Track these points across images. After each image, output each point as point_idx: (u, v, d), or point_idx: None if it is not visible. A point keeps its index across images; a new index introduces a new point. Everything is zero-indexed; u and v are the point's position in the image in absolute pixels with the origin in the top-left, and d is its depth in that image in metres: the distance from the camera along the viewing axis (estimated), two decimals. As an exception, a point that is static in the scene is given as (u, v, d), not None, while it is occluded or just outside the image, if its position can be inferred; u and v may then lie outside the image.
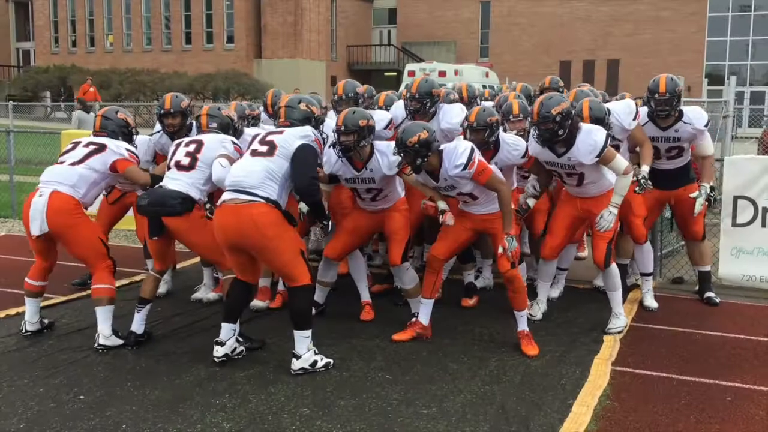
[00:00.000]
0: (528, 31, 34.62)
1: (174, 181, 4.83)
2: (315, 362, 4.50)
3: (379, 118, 5.55)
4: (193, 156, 4.87)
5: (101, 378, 4.41)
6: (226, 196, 4.46)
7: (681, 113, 5.63)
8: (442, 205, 4.96)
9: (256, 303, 5.67)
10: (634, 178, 5.21)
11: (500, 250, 4.77)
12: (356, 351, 4.90)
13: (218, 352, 4.54)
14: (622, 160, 5.01)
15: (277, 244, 4.39)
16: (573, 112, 4.99)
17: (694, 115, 5.63)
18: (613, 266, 5.26)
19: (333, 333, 5.21)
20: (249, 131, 5.35)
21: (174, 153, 4.97)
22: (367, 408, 4.03)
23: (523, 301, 4.93)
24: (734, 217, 6.38)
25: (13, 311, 5.69)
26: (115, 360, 4.71)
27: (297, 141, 4.53)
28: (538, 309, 5.59)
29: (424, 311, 5.14)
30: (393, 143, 4.88)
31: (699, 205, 5.63)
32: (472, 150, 4.69)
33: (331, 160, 5.04)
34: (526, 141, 5.29)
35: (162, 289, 5.94)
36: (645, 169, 5.42)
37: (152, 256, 5.12)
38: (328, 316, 5.56)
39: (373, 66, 36.23)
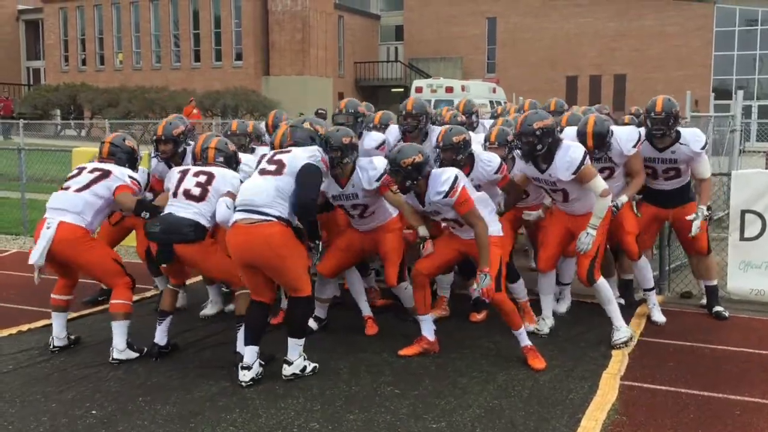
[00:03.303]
0: (534, 46, 34.72)
1: (183, 210, 4.88)
2: (304, 367, 4.65)
3: (373, 137, 5.69)
4: (204, 188, 4.93)
5: (113, 393, 4.45)
6: (237, 216, 4.52)
7: (678, 135, 5.66)
8: (422, 231, 5.01)
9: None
10: (611, 204, 5.27)
11: (474, 286, 4.77)
12: (364, 365, 4.92)
13: (245, 376, 4.54)
14: (600, 182, 5.09)
15: (289, 262, 4.50)
16: (556, 130, 5.07)
17: (692, 137, 5.65)
18: (601, 281, 5.29)
19: (341, 347, 5.24)
20: (260, 150, 5.46)
21: (181, 181, 5.01)
22: (376, 423, 4.05)
23: (517, 321, 4.96)
24: (742, 231, 6.38)
25: (25, 327, 5.74)
26: (126, 375, 4.75)
27: (303, 160, 4.61)
28: (545, 324, 5.60)
29: (425, 327, 5.16)
30: (374, 158, 5.08)
31: (695, 228, 5.64)
32: (456, 178, 4.72)
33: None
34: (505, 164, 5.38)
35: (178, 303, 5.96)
36: (623, 198, 5.49)
37: (166, 273, 5.24)
38: (335, 331, 5.59)
39: (380, 82, 36.39)
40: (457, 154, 5.12)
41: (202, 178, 4.97)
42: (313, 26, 32.35)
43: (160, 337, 5.07)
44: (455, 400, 4.34)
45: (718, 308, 6.09)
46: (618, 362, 4.98)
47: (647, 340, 5.50)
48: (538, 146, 5.00)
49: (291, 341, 4.61)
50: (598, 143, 5.37)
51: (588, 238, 5.12)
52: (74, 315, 6.08)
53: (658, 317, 5.90)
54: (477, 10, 35.71)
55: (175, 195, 4.98)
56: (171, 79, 33.49)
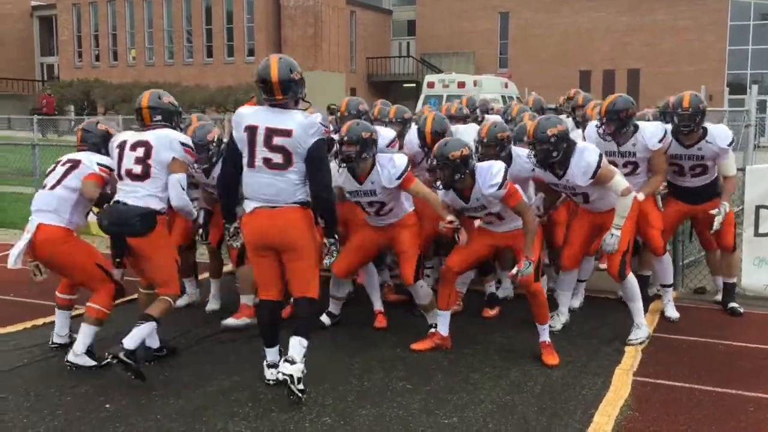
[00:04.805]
0: (546, 41, 34.58)
1: (130, 195, 4.54)
2: (300, 379, 4.15)
3: (384, 134, 5.60)
4: (144, 162, 4.53)
5: (126, 387, 4.46)
6: (256, 204, 4.23)
7: (705, 132, 5.61)
8: (451, 217, 4.84)
9: (231, 321, 5.60)
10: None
11: (514, 270, 4.77)
12: (377, 361, 4.92)
13: (272, 374, 4.41)
14: (620, 181, 5.01)
15: (307, 244, 4.28)
16: (570, 134, 5.03)
17: (718, 133, 5.60)
18: (630, 277, 5.22)
19: (353, 342, 5.24)
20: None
21: (121, 159, 4.59)
22: (387, 417, 4.06)
23: (545, 315, 4.96)
24: (756, 226, 6.32)
25: (40, 321, 5.78)
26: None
27: (310, 139, 4.15)
28: (558, 320, 5.58)
29: (442, 322, 5.15)
30: (395, 156, 5.02)
31: (717, 224, 5.59)
32: (506, 171, 4.72)
33: (333, 172, 4.88)
34: None
35: (182, 301, 5.91)
36: (640, 195, 5.36)
37: (134, 272, 4.91)
38: (348, 326, 5.60)
39: (392, 77, 36.36)
40: (500, 151, 5.15)
41: (140, 152, 4.54)
42: (326, 21, 32.37)
43: (131, 341, 4.39)
44: (467, 396, 4.33)
45: (733, 304, 6.05)
46: (631, 358, 4.96)
47: (661, 335, 5.48)
48: (554, 153, 4.92)
49: (296, 339, 4.23)
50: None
51: (613, 239, 5.07)
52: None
53: (672, 313, 5.87)
54: (489, 5, 35.61)
55: (120, 177, 4.62)
56: (183, 75, 33.61)
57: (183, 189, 4.60)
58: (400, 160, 4.96)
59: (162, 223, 4.65)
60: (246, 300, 5.67)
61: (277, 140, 4.13)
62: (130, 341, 4.38)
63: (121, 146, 4.63)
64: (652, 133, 5.46)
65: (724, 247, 6.03)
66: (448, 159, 4.63)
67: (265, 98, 4.25)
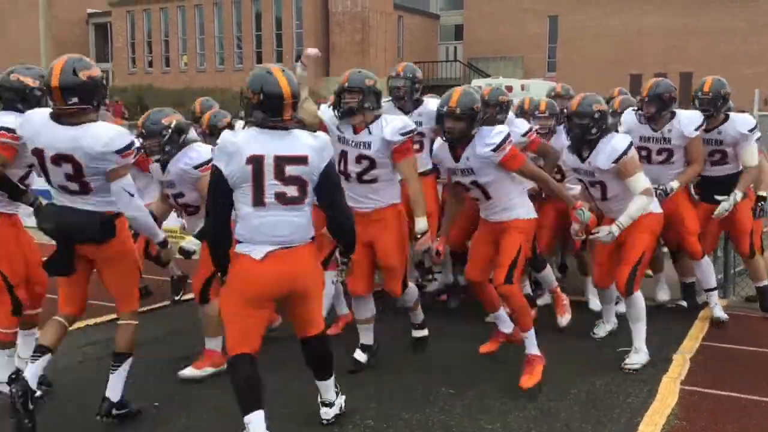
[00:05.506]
0: (597, 44, 34.13)
1: (79, 203, 3.78)
2: (341, 406, 4.09)
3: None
4: (78, 180, 3.70)
5: (176, 387, 4.59)
6: (268, 248, 3.51)
7: (726, 117, 5.55)
8: (422, 224, 4.54)
9: (189, 372, 4.74)
10: (660, 187, 5.22)
11: (575, 226, 4.69)
12: (421, 364, 4.94)
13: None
14: (642, 180, 4.72)
15: (320, 284, 3.84)
16: (609, 115, 4.85)
17: (740, 119, 5.56)
18: (638, 295, 4.88)
19: (399, 345, 5.26)
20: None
21: (44, 169, 3.73)
22: (430, 422, 4.08)
23: (527, 321, 4.52)
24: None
25: (91, 321, 5.91)
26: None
27: (323, 163, 3.59)
28: (603, 328, 5.52)
29: (501, 322, 5.00)
30: (404, 117, 4.82)
31: (721, 209, 5.44)
32: (508, 135, 4.43)
33: (325, 116, 4.62)
34: (548, 139, 5.73)
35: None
36: (674, 184, 5.35)
37: (61, 294, 4.00)
38: (393, 329, 5.59)
39: (438, 82, 36.22)
40: (499, 112, 5.49)
41: (67, 168, 3.66)
42: (373, 27, 32.53)
43: (31, 375, 3.77)
44: (510, 402, 4.33)
45: None
46: (679, 366, 4.90)
47: (710, 344, 5.38)
48: (593, 130, 4.71)
49: (326, 383, 3.99)
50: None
51: (609, 237, 4.65)
52: (145, 308, 6.24)
53: (720, 314, 5.78)
54: (538, 9, 35.31)
55: (52, 185, 3.80)
56: (234, 81, 34.08)
57: (132, 195, 3.77)
58: (408, 120, 4.69)
59: (123, 225, 3.91)
60: (213, 345, 4.77)
61: (290, 170, 3.50)
62: (113, 393, 3.96)
63: (37, 154, 3.71)
64: (689, 119, 5.41)
65: (741, 253, 5.95)
66: (471, 110, 4.33)
67: (54, 108, 3.64)
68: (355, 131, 4.53)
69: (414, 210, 4.57)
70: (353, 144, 4.53)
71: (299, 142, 3.54)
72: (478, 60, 35.57)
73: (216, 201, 3.52)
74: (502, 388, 4.53)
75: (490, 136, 4.38)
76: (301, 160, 3.52)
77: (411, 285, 4.94)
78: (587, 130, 4.74)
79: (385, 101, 5.63)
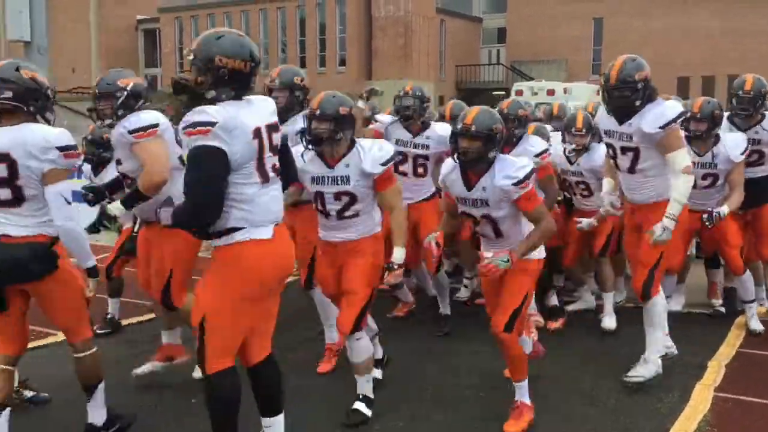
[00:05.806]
0: (642, 46, 33.52)
1: (7, 225, 3.39)
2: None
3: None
4: (10, 185, 3.33)
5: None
6: (271, 226, 3.24)
7: (763, 116, 5.47)
8: (399, 254, 4.03)
9: (147, 367, 4.66)
10: (714, 211, 4.90)
11: (489, 254, 3.92)
12: (451, 367, 4.99)
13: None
14: (684, 155, 4.35)
15: None
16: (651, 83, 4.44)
17: None
18: (656, 299, 4.53)
19: (428, 347, 5.31)
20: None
21: None
22: (460, 425, 4.12)
23: (522, 371, 4.10)
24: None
25: (125, 322, 6.09)
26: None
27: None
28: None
29: (524, 344, 4.51)
30: (383, 141, 4.30)
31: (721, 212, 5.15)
32: (532, 171, 3.92)
33: (296, 153, 3.94)
34: (580, 156, 5.66)
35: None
36: (724, 209, 5.00)
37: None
38: (424, 334, 5.65)
39: (481, 85, 36.22)
40: (517, 126, 5.28)
41: (1, 170, 3.31)
42: (415, 31, 32.59)
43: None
44: (539, 406, 4.32)
45: None
46: (714, 373, 4.84)
47: (746, 351, 5.32)
48: (636, 102, 4.33)
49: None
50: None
51: (665, 234, 4.31)
52: (134, 321, 6.24)
53: (756, 326, 5.70)
54: (582, 11, 34.96)
55: None
56: (278, 85, 34.53)
57: (69, 203, 3.41)
58: (388, 146, 4.15)
59: (62, 252, 3.51)
60: (169, 338, 4.67)
61: (275, 138, 3.28)
62: (96, 418, 3.78)
63: None
64: (735, 143, 5.31)
65: (764, 259, 5.87)
66: (490, 130, 3.81)
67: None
68: (329, 165, 4.03)
69: (394, 239, 4.05)
70: (330, 181, 4.02)
71: (264, 109, 3.27)
72: (521, 63, 35.37)
73: (217, 180, 3.04)
74: (531, 392, 4.52)
75: (515, 168, 3.84)
76: (276, 127, 3.30)
77: (364, 340, 4.16)
78: (630, 102, 4.36)
79: (392, 120, 5.78)
